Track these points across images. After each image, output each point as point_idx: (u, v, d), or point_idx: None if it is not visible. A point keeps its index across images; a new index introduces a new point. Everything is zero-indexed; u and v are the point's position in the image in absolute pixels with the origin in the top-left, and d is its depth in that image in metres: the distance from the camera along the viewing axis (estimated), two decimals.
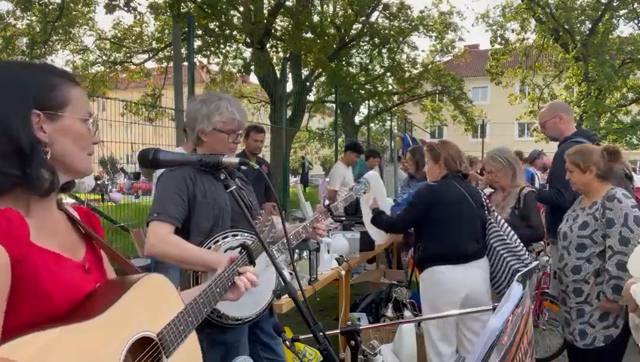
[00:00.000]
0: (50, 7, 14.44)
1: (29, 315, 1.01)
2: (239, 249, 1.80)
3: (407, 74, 17.57)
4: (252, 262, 1.79)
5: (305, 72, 15.39)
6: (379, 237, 4.32)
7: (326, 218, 2.53)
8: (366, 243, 4.38)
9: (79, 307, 1.10)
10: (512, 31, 19.19)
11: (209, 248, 2.12)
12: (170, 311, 1.30)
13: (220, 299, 1.61)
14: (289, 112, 13.14)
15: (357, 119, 19.82)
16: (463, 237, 3.23)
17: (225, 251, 1.84)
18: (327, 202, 2.67)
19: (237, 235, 2.17)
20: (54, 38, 15.74)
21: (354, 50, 16.74)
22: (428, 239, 3.35)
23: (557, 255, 3.14)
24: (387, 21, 16.38)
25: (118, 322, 1.12)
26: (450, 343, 3.34)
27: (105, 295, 1.15)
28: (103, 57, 17.27)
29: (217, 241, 2.13)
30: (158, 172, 2.33)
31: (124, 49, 17.04)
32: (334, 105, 14.29)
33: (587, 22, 17.72)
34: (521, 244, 3.28)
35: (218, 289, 1.58)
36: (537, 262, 3.09)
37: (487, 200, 3.49)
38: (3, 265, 0.95)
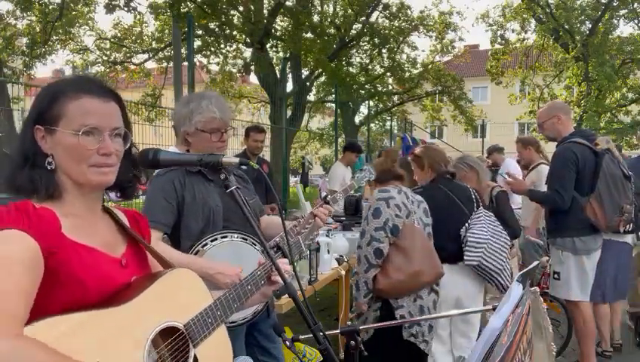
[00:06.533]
0: (50, 7, 14.44)
1: (65, 304, 1.08)
2: (274, 249, 1.81)
3: (407, 74, 17.58)
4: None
5: (305, 72, 15.40)
6: None
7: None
8: None
9: (111, 296, 1.16)
10: (512, 31, 19.23)
11: (197, 251, 2.10)
12: (199, 304, 1.35)
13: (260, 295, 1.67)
14: (289, 112, 13.15)
15: (357, 119, 19.86)
16: (450, 239, 3.24)
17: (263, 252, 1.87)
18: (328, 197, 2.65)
19: (226, 237, 2.14)
20: (54, 38, 15.74)
21: (354, 50, 16.76)
22: None
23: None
24: (387, 21, 16.38)
25: (146, 310, 1.18)
26: (444, 343, 3.34)
27: (136, 286, 1.22)
28: (103, 57, 17.28)
29: (206, 245, 2.11)
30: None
31: (124, 49, 17.05)
32: (334, 105, 14.30)
33: (587, 22, 17.72)
34: (496, 242, 3.25)
35: (250, 287, 1.59)
36: (537, 262, 3.08)
37: (477, 195, 3.46)
38: (34, 254, 1.04)
